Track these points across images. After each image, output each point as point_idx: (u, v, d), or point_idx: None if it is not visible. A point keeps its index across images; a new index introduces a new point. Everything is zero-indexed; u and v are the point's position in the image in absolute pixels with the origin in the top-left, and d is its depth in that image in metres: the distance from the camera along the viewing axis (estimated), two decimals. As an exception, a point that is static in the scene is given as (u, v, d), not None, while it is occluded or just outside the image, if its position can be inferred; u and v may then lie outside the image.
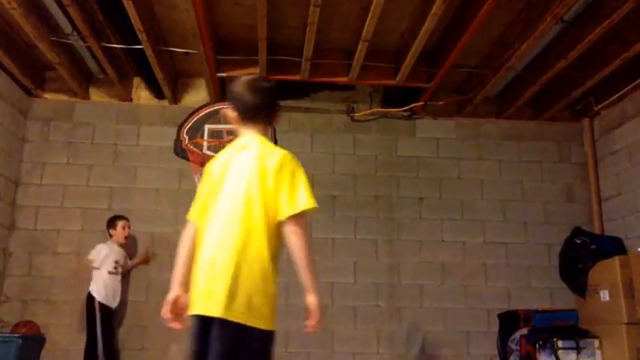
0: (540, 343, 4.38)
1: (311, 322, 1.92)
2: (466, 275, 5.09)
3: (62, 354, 4.60)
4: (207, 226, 2.00)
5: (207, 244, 1.96)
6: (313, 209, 1.92)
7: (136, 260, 4.76)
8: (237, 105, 2.11)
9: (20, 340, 4.05)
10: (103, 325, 4.22)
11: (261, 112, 2.12)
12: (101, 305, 4.27)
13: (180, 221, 5.12)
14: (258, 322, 1.84)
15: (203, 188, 2.10)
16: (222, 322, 1.80)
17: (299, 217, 1.90)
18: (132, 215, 4.93)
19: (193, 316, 1.90)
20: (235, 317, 1.80)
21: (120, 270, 4.50)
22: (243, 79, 2.19)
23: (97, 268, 4.37)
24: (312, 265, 1.89)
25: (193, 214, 2.10)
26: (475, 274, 5.09)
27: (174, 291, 2.01)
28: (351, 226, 5.10)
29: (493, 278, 5.10)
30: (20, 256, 4.79)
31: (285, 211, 1.90)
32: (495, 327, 4.91)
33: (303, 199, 1.93)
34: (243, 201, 1.93)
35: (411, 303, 5.00)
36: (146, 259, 4.77)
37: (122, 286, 4.52)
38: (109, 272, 4.39)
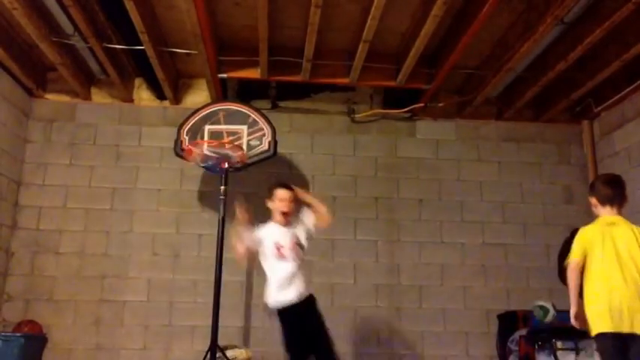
0: (539, 343, 4.39)
1: None
2: (465, 276, 5.11)
3: (64, 353, 4.63)
4: (600, 269, 2.99)
5: (615, 282, 2.91)
6: None
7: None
8: (601, 195, 3.20)
9: (22, 340, 4.07)
10: (282, 327, 3.46)
11: (619, 199, 3.17)
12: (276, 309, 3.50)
13: (181, 221, 5.18)
14: None
15: (583, 243, 3.09)
16: None
17: None
18: (133, 216, 4.96)
19: (612, 333, 2.82)
20: None
21: (288, 253, 3.48)
22: (605, 176, 3.51)
23: (245, 252, 3.45)
24: None
25: (577, 256, 3.05)
26: (474, 275, 5.11)
27: (574, 308, 2.98)
28: (351, 227, 5.12)
29: (492, 279, 5.11)
30: (23, 255, 4.82)
31: None
32: (494, 328, 4.92)
33: None
34: (633, 258, 2.95)
35: (410, 304, 5.01)
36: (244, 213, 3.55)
37: (301, 274, 3.50)
38: (273, 258, 3.52)
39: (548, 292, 5.06)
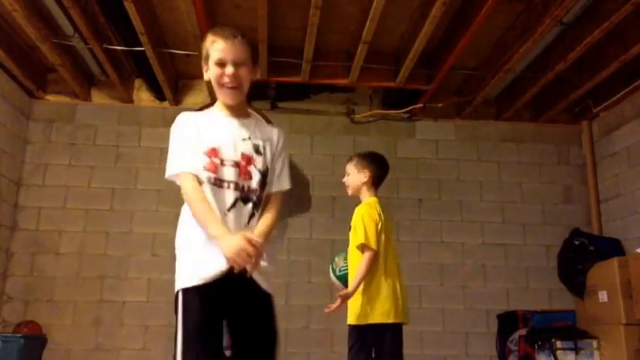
0: (539, 343, 4.41)
1: None
2: (465, 276, 5.12)
3: (64, 354, 4.63)
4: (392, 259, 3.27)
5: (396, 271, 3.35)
6: None
7: None
8: (376, 174, 3.27)
9: (22, 340, 4.08)
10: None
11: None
12: None
13: (181, 222, 5.15)
14: None
15: (377, 229, 3.15)
16: None
17: None
18: (133, 216, 4.97)
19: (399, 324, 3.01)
20: None
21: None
22: (381, 155, 3.38)
23: None
24: None
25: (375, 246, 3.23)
26: (474, 275, 5.12)
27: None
28: (351, 227, 5.12)
29: (492, 279, 5.12)
30: (22, 256, 4.82)
31: None
32: (494, 328, 4.93)
33: None
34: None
35: (410, 304, 4.96)
36: None
37: None
38: None
39: (548, 292, 5.09)
